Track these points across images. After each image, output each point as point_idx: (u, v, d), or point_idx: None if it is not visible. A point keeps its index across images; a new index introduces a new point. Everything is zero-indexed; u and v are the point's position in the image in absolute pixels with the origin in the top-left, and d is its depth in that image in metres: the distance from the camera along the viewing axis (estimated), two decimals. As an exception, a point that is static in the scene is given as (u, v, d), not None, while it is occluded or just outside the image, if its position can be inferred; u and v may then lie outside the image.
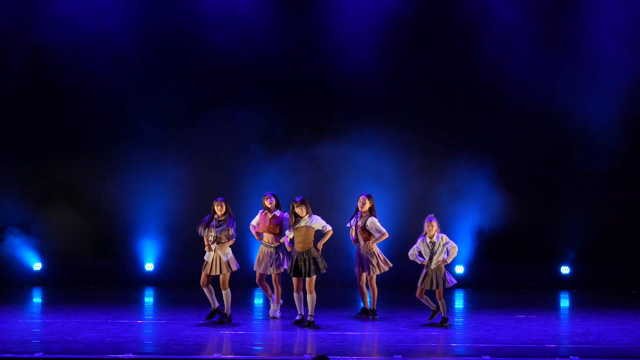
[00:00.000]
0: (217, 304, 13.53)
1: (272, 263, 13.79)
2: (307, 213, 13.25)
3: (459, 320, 14.30)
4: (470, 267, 18.07)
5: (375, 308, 13.97)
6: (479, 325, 13.58)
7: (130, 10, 17.95)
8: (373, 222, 13.76)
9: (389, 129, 17.94)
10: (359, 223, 13.82)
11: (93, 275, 17.92)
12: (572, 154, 18.09)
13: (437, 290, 13.30)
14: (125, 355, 10.96)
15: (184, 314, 13.97)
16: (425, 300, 13.45)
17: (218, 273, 13.36)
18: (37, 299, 16.53)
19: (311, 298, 13.25)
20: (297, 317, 13.43)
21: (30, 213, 17.98)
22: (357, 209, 13.90)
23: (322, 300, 14.05)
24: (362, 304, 14.08)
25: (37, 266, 18.01)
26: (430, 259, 13.24)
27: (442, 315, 13.42)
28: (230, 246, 13.50)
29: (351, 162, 17.94)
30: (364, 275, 13.87)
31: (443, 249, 13.27)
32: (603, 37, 17.83)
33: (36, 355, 10.95)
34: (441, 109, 18.16)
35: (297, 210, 13.23)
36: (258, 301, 15.92)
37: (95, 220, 18.07)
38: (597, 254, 18.01)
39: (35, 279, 17.89)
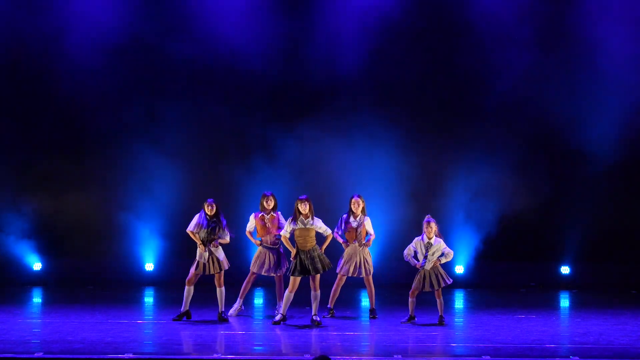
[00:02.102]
0: (188, 307, 13.49)
1: (274, 265, 13.78)
2: (310, 212, 13.18)
3: (459, 320, 14.30)
4: (470, 267, 18.06)
5: (374, 307, 14.01)
6: (479, 325, 13.58)
7: (126, 9, 17.93)
8: (370, 223, 13.80)
9: (380, 129, 17.89)
10: (358, 223, 13.77)
11: (93, 275, 17.90)
12: (572, 154, 18.06)
13: (435, 291, 13.28)
14: (125, 355, 10.95)
15: (184, 314, 13.94)
16: (412, 303, 13.41)
17: (216, 272, 13.34)
18: (37, 299, 16.53)
19: (316, 296, 13.22)
20: (277, 317, 13.29)
21: (30, 213, 17.97)
22: (351, 210, 13.84)
23: (321, 300, 14.04)
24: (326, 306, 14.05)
25: (37, 266, 18.00)
26: (425, 259, 13.22)
27: (440, 313, 13.41)
28: (222, 245, 13.51)
29: (339, 162, 17.89)
30: (344, 278, 13.85)
31: (439, 252, 13.25)
32: (606, 39, 17.81)
33: (36, 355, 10.95)
34: (436, 111, 18.11)
35: (302, 207, 13.14)
36: (258, 301, 15.91)
37: (96, 219, 18.06)
38: (597, 254, 18.00)
39: (35, 279, 17.88)
